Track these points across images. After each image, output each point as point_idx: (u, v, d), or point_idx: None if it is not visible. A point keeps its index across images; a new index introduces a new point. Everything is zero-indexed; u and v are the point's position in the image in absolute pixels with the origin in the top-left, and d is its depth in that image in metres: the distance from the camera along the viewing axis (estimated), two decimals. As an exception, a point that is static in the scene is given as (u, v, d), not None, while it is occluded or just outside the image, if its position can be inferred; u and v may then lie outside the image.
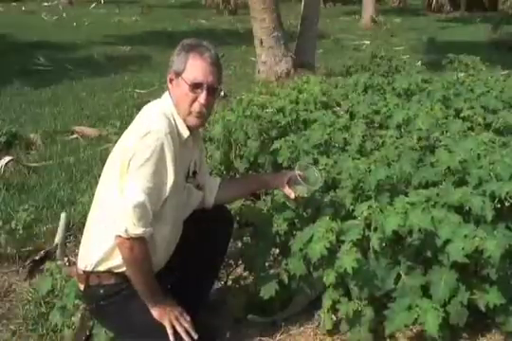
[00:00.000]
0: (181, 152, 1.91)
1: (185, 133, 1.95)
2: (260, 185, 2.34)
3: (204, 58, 1.92)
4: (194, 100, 1.92)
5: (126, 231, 1.79)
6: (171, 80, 1.97)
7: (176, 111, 1.95)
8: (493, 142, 2.69)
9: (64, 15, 16.98)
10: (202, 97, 1.92)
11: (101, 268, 1.91)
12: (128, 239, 1.81)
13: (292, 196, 2.14)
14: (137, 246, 1.82)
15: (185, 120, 1.95)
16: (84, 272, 1.94)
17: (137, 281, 1.88)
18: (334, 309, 2.21)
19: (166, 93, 2.01)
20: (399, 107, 3.47)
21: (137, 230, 1.80)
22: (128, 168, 1.81)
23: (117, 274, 1.92)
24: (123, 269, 1.91)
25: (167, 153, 1.82)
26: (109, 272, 1.92)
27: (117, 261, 1.90)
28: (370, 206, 2.08)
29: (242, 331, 2.33)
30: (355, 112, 3.57)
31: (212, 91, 1.95)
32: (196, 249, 2.13)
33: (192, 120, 1.96)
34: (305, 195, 2.17)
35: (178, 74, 1.93)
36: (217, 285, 2.47)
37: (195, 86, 1.91)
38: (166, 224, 1.94)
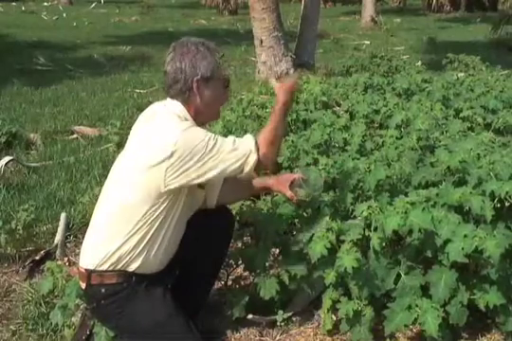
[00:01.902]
0: None
1: None
2: (262, 189, 2.34)
3: (219, 56, 2.01)
4: (227, 98, 2.09)
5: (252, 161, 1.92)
6: (198, 86, 1.93)
7: (196, 114, 1.96)
8: (493, 142, 2.69)
9: (64, 15, 17.00)
10: (228, 92, 2.10)
11: (103, 267, 1.91)
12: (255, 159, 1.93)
13: (294, 200, 2.15)
14: (260, 151, 1.94)
15: (209, 117, 2.07)
16: (86, 270, 1.94)
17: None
18: (334, 309, 2.21)
19: (169, 99, 1.98)
20: (399, 107, 3.47)
21: (249, 147, 1.93)
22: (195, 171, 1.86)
23: (118, 273, 1.92)
24: (124, 262, 1.91)
25: (198, 134, 1.89)
26: (111, 271, 1.91)
27: (118, 255, 1.89)
28: (370, 206, 2.08)
29: (242, 331, 2.33)
30: (355, 112, 3.57)
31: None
32: (197, 249, 2.13)
33: (217, 116, 2.13)
34: (306, 199, 2.17)
35: (211, 77, 1.95)
36: (217, 285, 2.47)
37: (228, 82, 2.05)
38: (172, 223, 1.95)
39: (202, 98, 1.96)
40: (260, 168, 1.99)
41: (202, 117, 2.00)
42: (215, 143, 1.87)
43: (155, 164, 1.83)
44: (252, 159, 1.92)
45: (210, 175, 1.89)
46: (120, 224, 1.90)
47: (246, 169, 1.94)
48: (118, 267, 1.91)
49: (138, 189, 1.87)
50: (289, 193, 2.17)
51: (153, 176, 1.85)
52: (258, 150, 1.93)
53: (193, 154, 1.84)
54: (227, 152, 1.89)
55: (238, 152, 1.91)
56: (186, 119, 1.94)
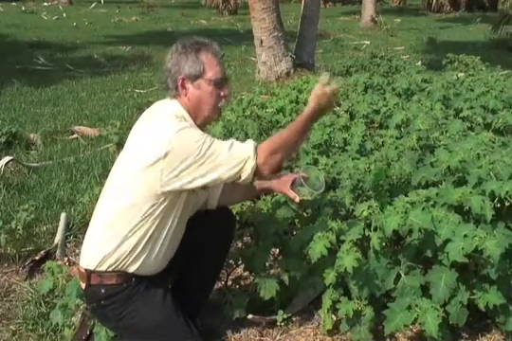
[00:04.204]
0: None
1: None
2: (263, 190, 2.31)
3: (213, 53, 1.95)
4: (219, 97, 1.96)
5: (251, 167, 1.86)
6: (183, 85, 1.94)
7: (192, 114, 1.95)
8: (493, 142, 2.69)
9: (64, 15, 17.00)
10: (226, 90, 1.98)
11: (103, 268, 1.91)
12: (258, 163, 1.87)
13: (297, 200, 2.12)
14: (265, 155, 1.87)
15: (206, 117, 1.98)
16: (86, 271, 1.94)
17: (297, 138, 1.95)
18: (334, 309, 2.21)
19: (169, 98, 1.99)
20: (399, 107, 3.48)
21: (250, 153, 1.86)
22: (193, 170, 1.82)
23: (118, 274, 1.92)
24: (123, 264, 1.91)
25: (194, 135, 1.85)
26: (111, 272, 1.91)
27: (118, 256, 1.89)
28: (370, 206, 2.08)
29: (242, 331, 2.33)
30: (355, 112, 3.57)
31: (229, 81, 2.02)
32: (198, 250, 2.13)
33: (215, 115, 2.02)
34: (309, 198, 2.15)
35: (197, 77, 1.92)
36: (217, 285, 2.47)
37: (219, 83, 1.95)
38: (172, 224, 1.94)
39: (189, 97, 1.95)
40: (258, 175, 1.92)
41: (197, 117, 1.96)
42: (210, 145, 1.83)
43: (149, 164, 1.82)
44: (249, 166, 1.86)
45: (205, 181, 1.85)
46: (119, 225, 1.89)
47: (244, 176, 1.87)
48: (118, 268, 1.91)
49: (136, 190, 1.87)
50: (292, 194, 2.14)
51: (149, 177, 1.84)
52: (257, 156, 1.87)
53: (188, 155, 1.80)
54: (222, 156, 1.83)
55: (235, 157, 1.85)
56: (184, 119, 1.92)
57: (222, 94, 1.96)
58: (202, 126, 1.98)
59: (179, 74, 1.93)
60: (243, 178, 1.88)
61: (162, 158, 1.80)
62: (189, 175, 1.83)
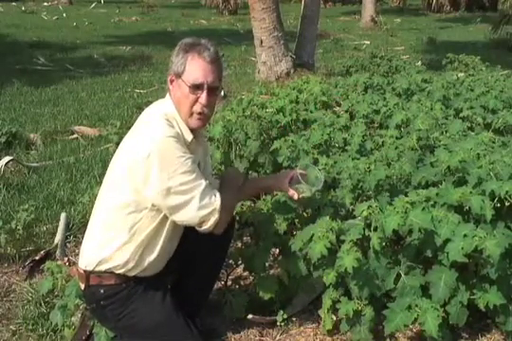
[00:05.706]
0: None
1: (188, 136, 1.94)
2: (262, 189, 2.32)
3: (203, 57, 1.90)
4: (195, 101, 1.91)
5: (212, 221, 1.90)
6: (171, 82, 1.96)
7: (178, 112, 1.94)
8: (493, 142, 2.69)
9: (64, 15, 17.00)
10: (203, 97, 1.90)
11: (102, 268, 1.91)
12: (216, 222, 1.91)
13: (295, 197, 2.12)
14: (222, 213, 1.91)
15: (187, 122, 1.94)
16: (85, 271, 1.94)
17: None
18: (334, 309, 2.21)
19: (168, 95, 2.00)
20: (399, 107, 3.48)
21: (214, 207, 1.89)
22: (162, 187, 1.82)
23: (117, 274, 1.92)
24: (124, 270, 1.91)
25: (179, 150, 1.84)
26: (110, 272, 1.91)
27: (118, 262, 1.90)
28: (370, 206, 2.08)
29: (242, 331, 2.33)
30: (355, 112, 3.57)
31: (213, 90, 1.93)
32: (197, 250, 2.13)
33: (194, 121, 1.94)
34: (308, 195, 2.15)
35: (178, 75, 1.91)
36: (217, 285, 2.47)
37: (196, 87, 1.89)
38: (170, 224, 1.94)
39: (174, 95, 1.95)
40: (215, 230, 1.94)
41: (180, 117, 1.94)
42: (187, 170, 1.83)
43: (134, 165, 1.83)
44: (214, 217, 1.89)
45: (171, 201, 1.83)
46: (116, 226, 1.90)
47: (205, 225, 1.90)
48: (116, 270, 1.91)
49: (128, 190, 1.87)
50: (290, 191, 2.14)
51: (135, 177, 1.84)
52: (220, 212, 1.89)
53: (164, 167, 1.80)
54: (197, 190, 1.85)
55: (204, 202, 1.87)
56: (175, 120, 1.92)
57: (199, 100, 1.90)
58: (192, 130, 1.96)
59: (170, 70, 1.95)
60: (204, 227, 1.91)
61: (143, 161, 1.80)
62: (160, 185, 1.81)
